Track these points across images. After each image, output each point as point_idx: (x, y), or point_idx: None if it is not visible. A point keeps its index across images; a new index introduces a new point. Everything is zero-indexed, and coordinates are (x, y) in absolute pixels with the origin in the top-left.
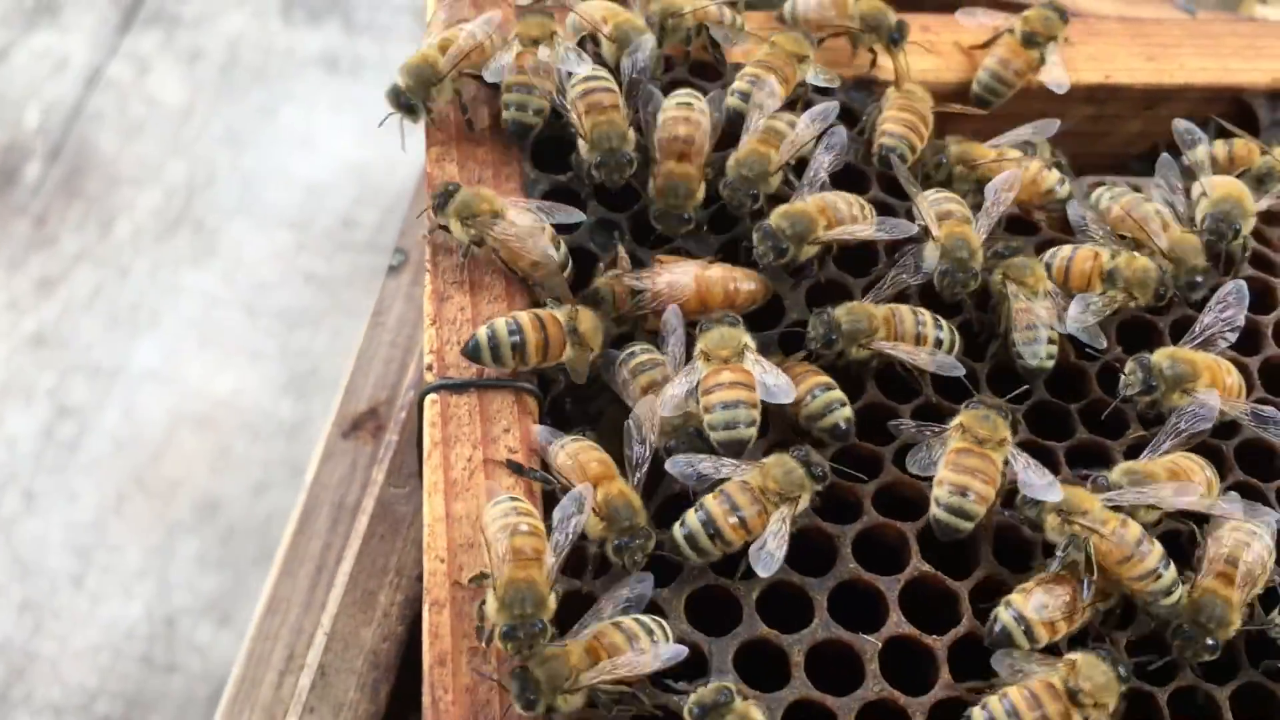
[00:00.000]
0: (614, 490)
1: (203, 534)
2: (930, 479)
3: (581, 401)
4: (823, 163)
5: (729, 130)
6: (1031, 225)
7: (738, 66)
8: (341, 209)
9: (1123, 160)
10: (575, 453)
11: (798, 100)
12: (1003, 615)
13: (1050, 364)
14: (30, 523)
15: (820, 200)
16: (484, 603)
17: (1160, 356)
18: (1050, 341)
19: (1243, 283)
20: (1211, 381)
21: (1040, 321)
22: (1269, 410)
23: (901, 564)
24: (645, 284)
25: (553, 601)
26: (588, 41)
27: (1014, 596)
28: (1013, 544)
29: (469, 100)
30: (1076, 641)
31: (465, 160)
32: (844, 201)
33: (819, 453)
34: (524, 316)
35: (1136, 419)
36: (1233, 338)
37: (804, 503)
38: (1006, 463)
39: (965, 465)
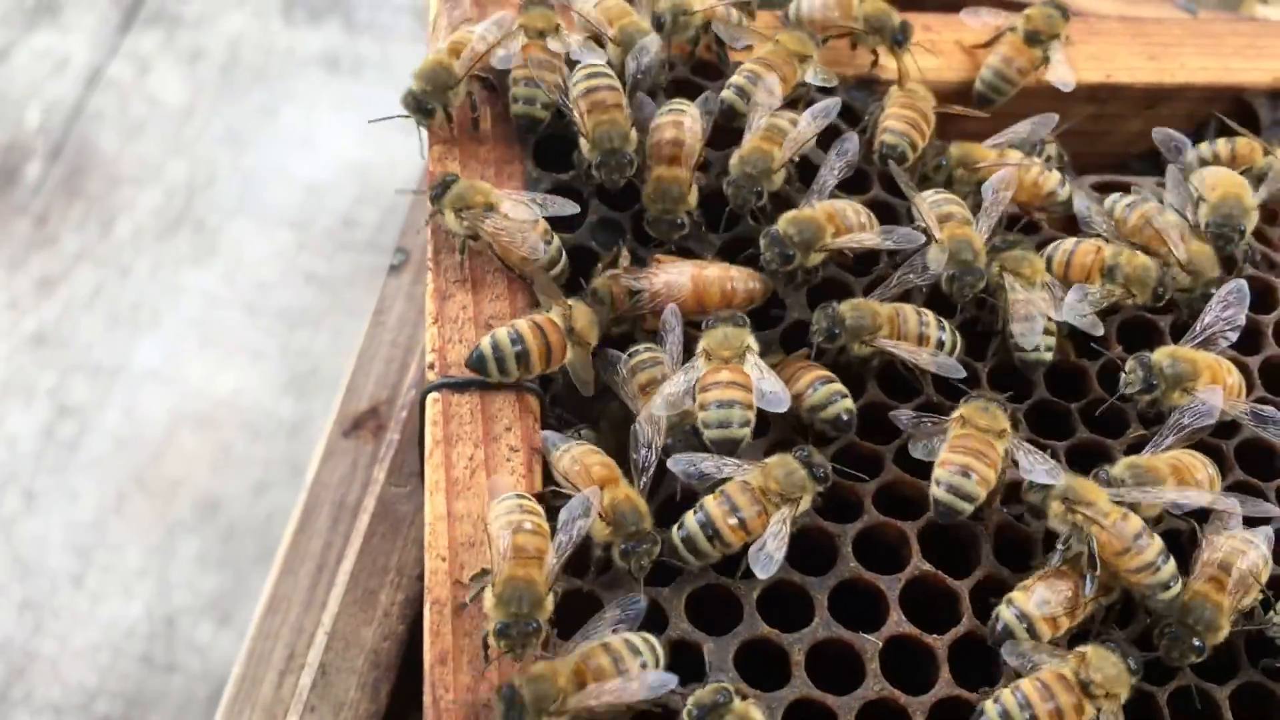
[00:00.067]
0: (620, 494)
1: (203, 533)
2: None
3: (580, 399)
4: (834, 169)
5: (724, 125)
6: (1033, 225)
7: (740, 65)
8: (342, 208)
9: (1123, 159)
10: (579, 456)
11: (799, 99)
12: (1004, 613)
13: (1049, 356)
14: (30, 522)
15: (829, 207)
16: (481, 588)
17: (1161, 355)
18: (1048, 333)
19: (1243, 282)
20: (1212, 380)
21: (1038, 312)
22: (1269, 410)
23: (902, 563)
24: (643, 284)
25: (550, 603)
26: (591, 43)
27: (1015, 594)
28: (1013, 543)
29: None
30: (1077, 639)
31: (467, 160)
32: (852, 209)
33: (821, 449)
34: (523, 325)
35: (1137, 418)
36: (1233, 337)
37: (805, 504)
38: (1007, 454)
39: (968, 447)
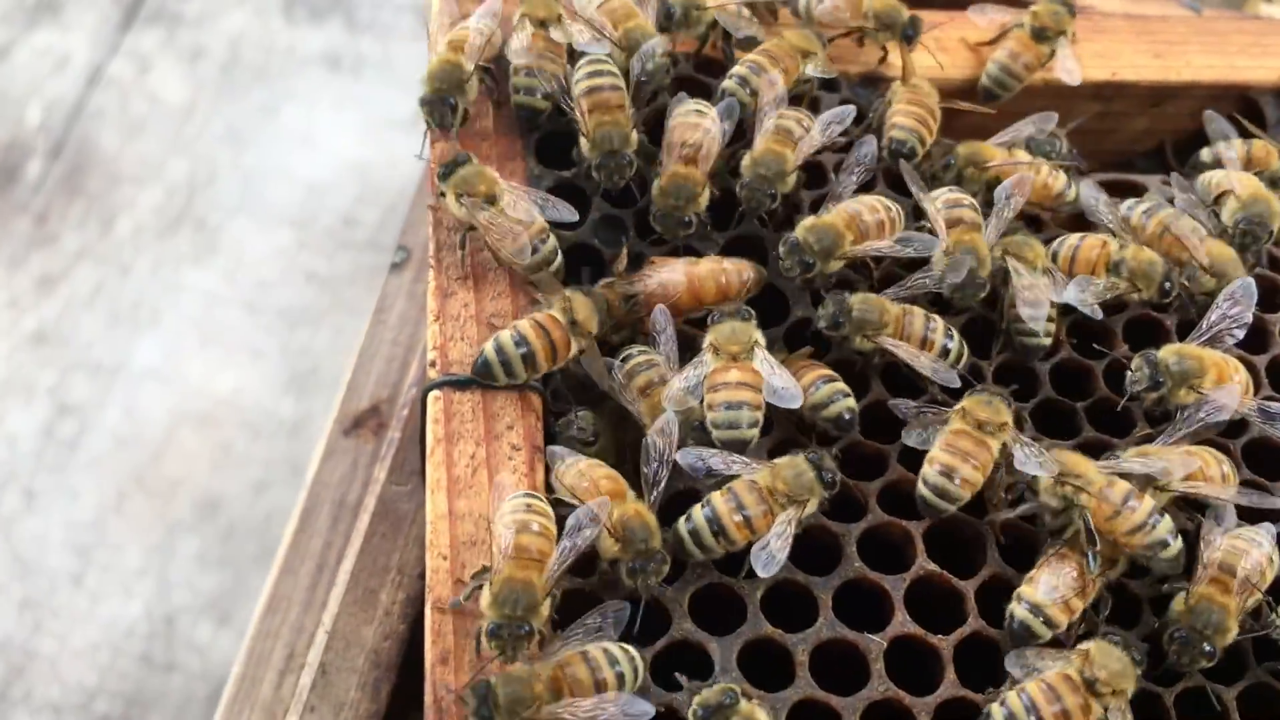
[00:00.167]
0: (629, 510)
1: (203, 533)
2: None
3: (577, 392)
4: (852, 173)
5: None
6: (1037, 222)
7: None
8: (343, 207)
9: (1128, 157)
10: (586, 470)
11: (803, 96)
12: (1017, 610)
13: (1048, 340)
14: (30, 521)
15: (848, 214)
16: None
17: (1167, 353)
18: (1048, 319)
19: (1250, 280)
20: (1218, 378)
21: (1044, 296)
22: (1276, 406)
23: (907, 563)
24: (637, 287)
25: (546, 608)
26: (596, 34)
27: (1023, 589)
28: (1019, 543)
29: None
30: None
31: None
32: (870, 212)
33: (824, 448)
34: (525, 325)
35: (1143, 417)
36: (1240, 334)
37: (812, 507)
38: (1005, 449)
39: (958, 448)
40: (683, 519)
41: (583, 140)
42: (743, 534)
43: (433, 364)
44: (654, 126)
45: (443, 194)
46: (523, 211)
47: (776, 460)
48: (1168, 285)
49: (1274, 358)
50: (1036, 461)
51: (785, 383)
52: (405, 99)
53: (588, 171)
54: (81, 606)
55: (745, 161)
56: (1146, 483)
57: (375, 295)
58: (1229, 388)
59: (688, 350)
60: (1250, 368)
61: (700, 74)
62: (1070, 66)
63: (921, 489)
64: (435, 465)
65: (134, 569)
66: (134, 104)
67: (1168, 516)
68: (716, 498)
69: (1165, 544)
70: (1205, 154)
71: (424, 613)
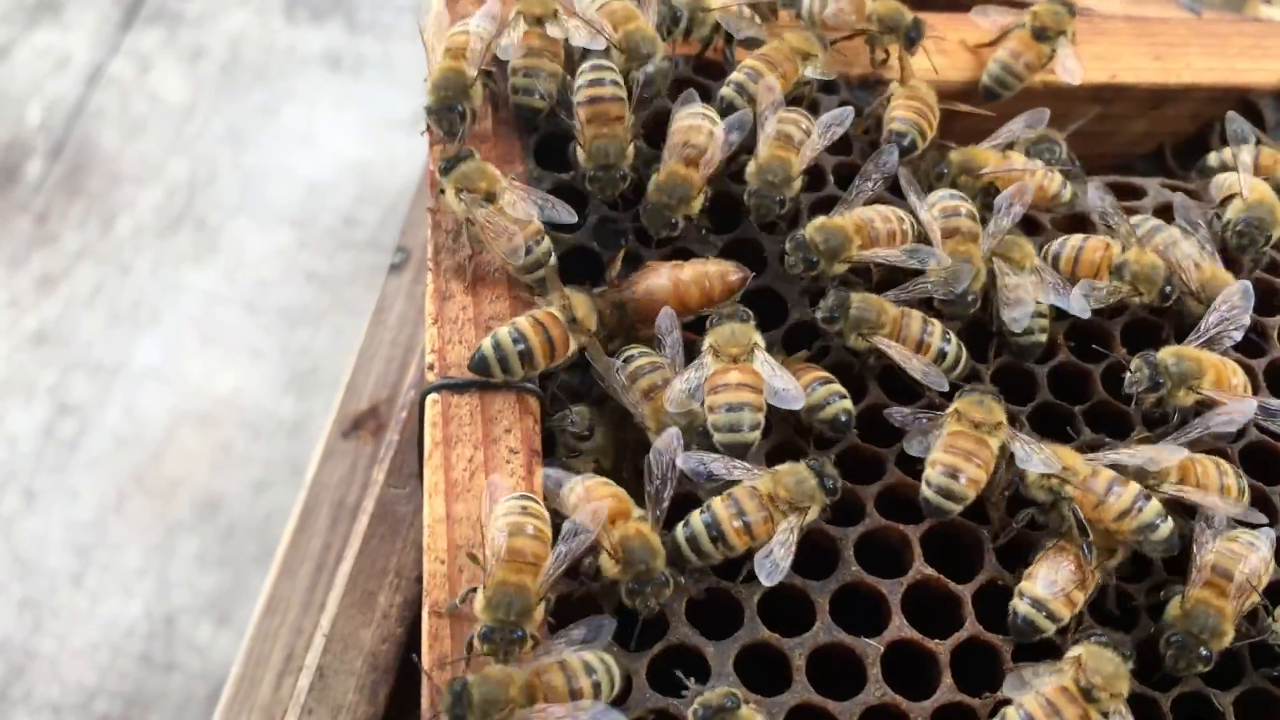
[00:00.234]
0: (631, 530)
1: (203, 533)
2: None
3: (576, 399)
4: (871, 179)
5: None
6: (1036, 224)
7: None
8: (343, 207)
9: (1128, 160)
10: (590, 490)
11: (803, 98)
12: (1020, 606)
13: (1043, 337)
14: (30, 521)
15: (860, 219)
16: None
17: (1166, 354)
18: (1040, 315)
19: (1248, 283)
20: (1217, 379)
21: (1028, 296)
22: (1275, 402)
23: (904, 567)
24: (625, 295)
25: (541, 612)
26: (593, 32)
27: (1023, 585)
28: (1017, 547)
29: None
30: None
31: None
32: (883, 221)
33: (823, 451)
34: (524, 322)
35: (1142, 421)
36: (1238, 336)
37: (813, 514)
38: (1003, 448)
39: (959, 448)
40: (681, 525)
41: (579, 148)
42: (742, 540)
43: (430, 367)
44: (653, 129)
45: (442, 190)
46: (521, 211)
47: (778, 467)
48: (1168, 289)
49: (1272, 361)
50: (1039, 459)
51: (787, 384)
52: (405, 99)
53: (581, 179)
54: (81, 606)
55: (750, 169)
56: (1137, 479)
57: (375, 295)
58: (1247, 401)
59: (685, 354)
60: (1249, 372)
61: (699, 76)
62: (1071, 66)
63: (926, 491)
64: (433, 469)
65: (134, 569)
66: (134, 104)
67: (1155, 500)
68: (717, 503)
69: (1154, 526)
70: (1213, 158)
71: (421, 616)
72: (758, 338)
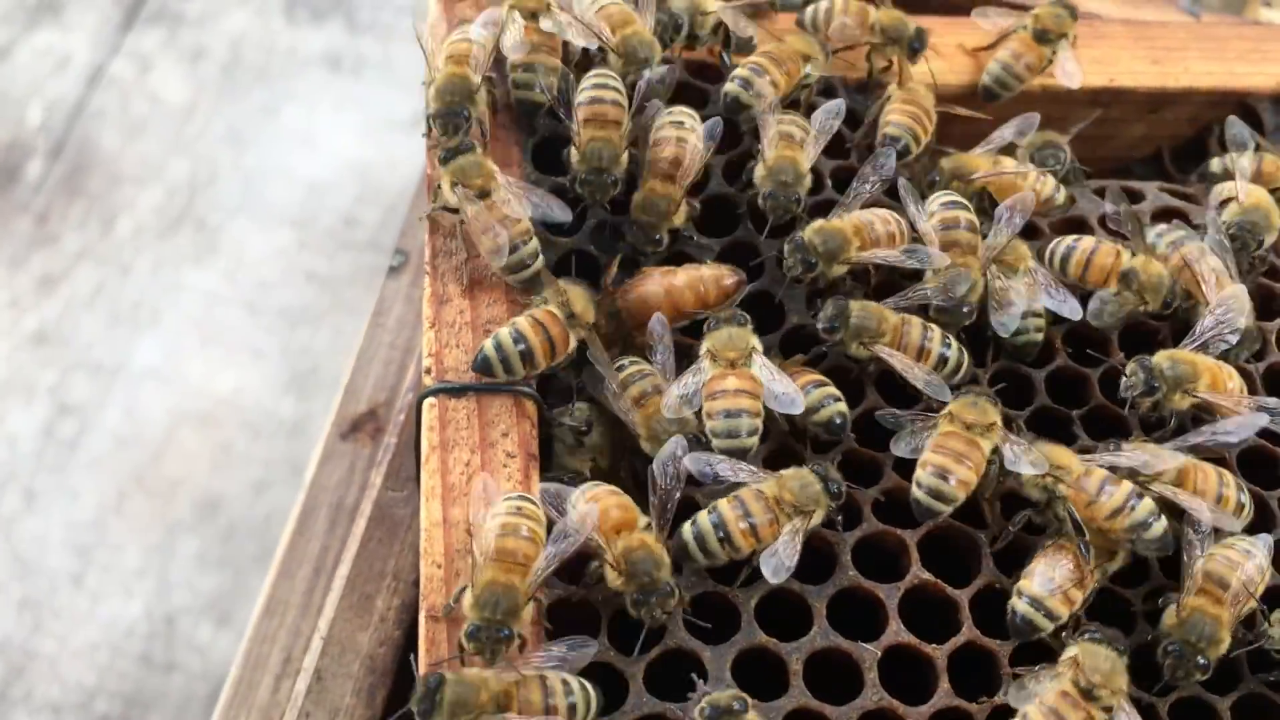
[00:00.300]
0: (634, 541)
1: (203, 533)
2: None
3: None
4: (869, 182)
5: (724, 117)
6: (1035, 228)
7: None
8: (343, 208)
9: (1126, 164)
10: (595, 500)
11: (800, 102)
12: (1018, 605)
13: (1039, 337)
14: (30, 521)
15: (858, 220)
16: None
17: (1161, 358)
18: (1035, 314)
19: (1243, 287)
20: (1212, 383)
21: (1017, 298)
22: (1272, 400)
23: (901, 572)
24: (619, 303)
25: (529, 612)
26: (595, 53)
27: (1021, 583)
28: (1014, 551)
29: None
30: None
31: None
32: (881, 221)
33: (820, 456)
34: (523, 322)
35: (1139, 425)
36: (1233, 340)
37: (817, 518)
38: (995, 450)
39: (950, 449)
40: (688, 523)
41: (573, 150)
42: (748, 542)
43: (428, 371)
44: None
45: (439, 186)
46: (514, 209)
47: (783, 471)
48: (1170, 300)
49: (1270, 366)
50: (1027, 461)
51: (785, 388)
52: (405, 100)
53: (573, 182)
54: (81, 606)
55: (759, 173)
56: (1130, 479)
57: (375, 296)
58: (1255, 417)
59: (682, 359)
60: (1247, 376)
61: (695, 79)
62: (1070, 69)
63: (916, 491)
64: (430, 473)
65: (134, 569)
66: (135, 104)
67: (1147, 499)
68: (724, 505)
69: (1146, 525)
70: (1215, 164)
71: (418, 619)
72: (755, 341)
